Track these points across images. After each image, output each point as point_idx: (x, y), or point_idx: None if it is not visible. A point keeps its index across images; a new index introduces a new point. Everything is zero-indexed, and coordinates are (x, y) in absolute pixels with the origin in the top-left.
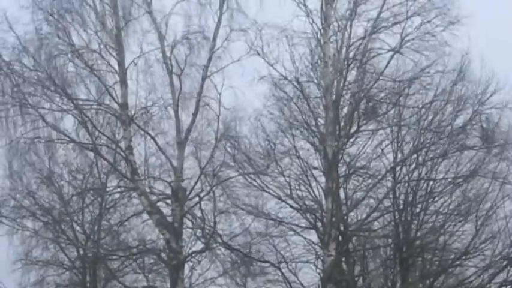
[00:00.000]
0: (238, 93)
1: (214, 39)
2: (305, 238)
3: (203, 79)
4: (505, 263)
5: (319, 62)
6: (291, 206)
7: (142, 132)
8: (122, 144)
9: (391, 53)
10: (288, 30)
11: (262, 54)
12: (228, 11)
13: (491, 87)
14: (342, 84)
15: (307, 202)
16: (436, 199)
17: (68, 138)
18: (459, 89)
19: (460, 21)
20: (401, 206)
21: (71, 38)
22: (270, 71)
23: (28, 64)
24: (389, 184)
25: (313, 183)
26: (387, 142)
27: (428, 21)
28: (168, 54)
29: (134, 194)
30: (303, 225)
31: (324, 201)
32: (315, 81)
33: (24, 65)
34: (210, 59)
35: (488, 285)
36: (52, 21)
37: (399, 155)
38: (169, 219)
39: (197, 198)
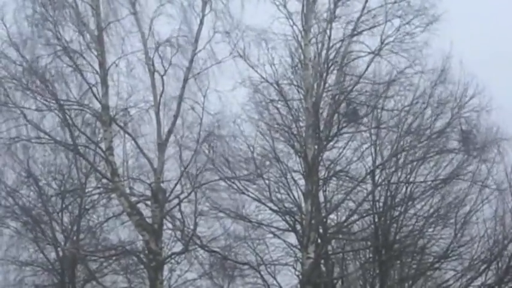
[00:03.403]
0: (221, 96)
1: (197, 41)
2: (284, 241)
3: (185, 81)
4: (483, 266)
5: (299, 64)
6: (270, 209)
7: (123, 133)
8: (102, 145)
9: (371, 55)
10: (269, 33)
11: (244, 57)
12: (211, 13)
13: (471, 90)
14: (322, 87)
15: (286, 205)
16: (416, 202)
17: (48, 137)
18: (439, 91)
19: (438, 19)
20: (381, 209)
21: (58, 35)
22: (251, 73)
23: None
24: (368, 187)
25: (293, 186)
26: (367, 145)
27: (407, 23)
28: (150, 55)
29: (114, 195)
30: (282, 227)
31: (303, 204)
32: (295, 83)
33: (10, 58)
34: (192, 61)
35: None
36: (35, 19)
37: (378, 158)
38: (149, 220)
39: (177, 200)
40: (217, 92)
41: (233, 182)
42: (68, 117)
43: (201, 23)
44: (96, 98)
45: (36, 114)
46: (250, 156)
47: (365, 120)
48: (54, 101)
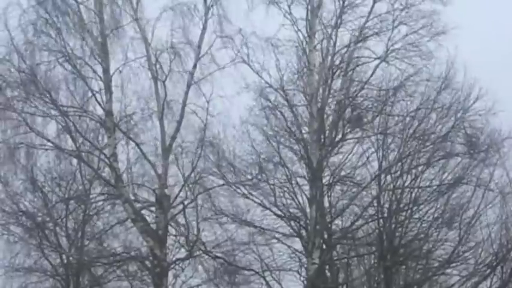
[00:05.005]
0: (224, 101)
1: (200, 46)
2: (289, 246)
3: (188, 86)
4: (488, 271)
5: (304, 70)
6: (275, 214)
7: (127, 139)
8: (106, 151)
9: (377, 61)
10: (274, 39)
11: (248, 61)
12: (213, 18)
13: (474, 94)
14: (327, 93)
15: (291, 210)
16: (421, 207)
17: (51, 144)
18: (444, 97)
19: (446, 33)
20: (386, 214)
21: (61, 42)
22: (255, 79)
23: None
24: (373, 192)
25: (298, 191)
26: (372, 150)
27: (415, 31)
28: (153, 61)
29: (118, 201)
30: (287, 233)
31: (308, 209)
32: (301, 89)
33: (12, 64)
34: (195, 66)
35: None
36: (39, 26)
37: (384, 163)
38: (153, 226)
39: (181, 206)
40: (220, 97)
41: (238, 187)
42: (70, 123)
43: (204, 28)
44: (100, 105)
45: (40, 121)
46: (256, 161)
47: (370, 125)
48: (55, 108)
